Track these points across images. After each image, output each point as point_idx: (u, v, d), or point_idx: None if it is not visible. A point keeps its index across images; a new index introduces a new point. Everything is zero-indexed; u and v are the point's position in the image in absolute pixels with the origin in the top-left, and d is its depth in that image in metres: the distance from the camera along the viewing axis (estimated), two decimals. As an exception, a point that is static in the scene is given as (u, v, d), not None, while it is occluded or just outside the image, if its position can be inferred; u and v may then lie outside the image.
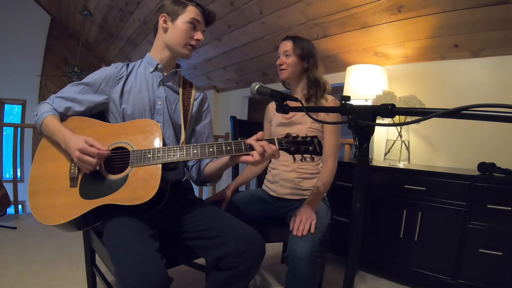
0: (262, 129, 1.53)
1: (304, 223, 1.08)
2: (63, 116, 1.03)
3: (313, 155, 0.90)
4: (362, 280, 1.73)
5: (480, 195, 1.40)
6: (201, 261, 1.25)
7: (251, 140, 0.89)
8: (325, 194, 1.32)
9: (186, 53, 1.08)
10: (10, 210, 2.53)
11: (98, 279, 1.26)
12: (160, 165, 0.89)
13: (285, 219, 1.29)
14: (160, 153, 0.90)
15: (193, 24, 1.05)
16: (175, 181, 1.12)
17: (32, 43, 5.02)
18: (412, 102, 1.68)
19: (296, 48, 1.31)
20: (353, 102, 0.68)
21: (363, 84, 1.96)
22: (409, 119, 0.57)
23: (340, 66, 2.44)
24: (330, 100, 1.31)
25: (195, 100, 1.17)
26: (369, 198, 1.75)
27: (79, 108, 1.03)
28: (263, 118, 1.54)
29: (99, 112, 1.08)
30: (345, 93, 2.05)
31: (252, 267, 0.94)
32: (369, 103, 1.92)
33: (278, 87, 1.35)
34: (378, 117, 0.62)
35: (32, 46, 5.02)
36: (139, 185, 0.87)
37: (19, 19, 4.85)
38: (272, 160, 1.42)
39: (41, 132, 1.02)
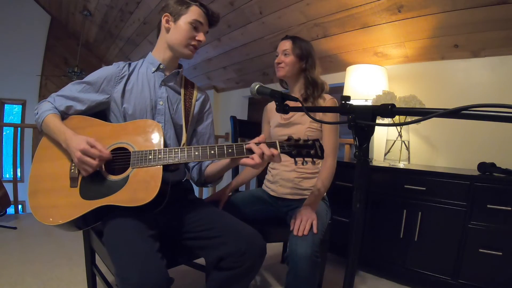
0: (261, 129, 1.54)
1: (304, 223, 1.08)
2: (64, 115, 1.03)
3: (314, 159, 0.90)
4: (362, 280, 1.73)
5: (480, 195, 1.40)
6: (201, 261, 1.24)
7: (251, 144, 0.89)
8: (325, 194, 1.32)
9: (188, 53, 1.07)
10: (10, 210, 2.54)
11: (98, 279, 1.26)
12: (161, 167, 0.89)
13: (285, 219, 1.29)
14: (161, 155, 0.90)
15: (196, 25, 1.05)
16: (176, 182, 1.12)
17: (32, 43, 5.02)
18: (412, 102, 1.68)
19: (295, 48, 1.31)
20: (353, 102, 0.68)
21: (363, 84, 1.96)
22: (409, 119, 0.57)
23: (340, 66, 2.44)
24: (328, 100, 1.31)
25: (196, 100, 1.17)
26: (369, 198, 1.75)
27: (80, 107, 1.03)
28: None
29: (101, 112, 1.08)
30: (345, 93, 2.05)
31: (253, 267, 0.94)
32: (369, 103, 1.92)
33: (278, 87, 1.35)
34: (378, 117, 0.62)
35: (32, 46, 5.02)
36: (140, 187, 0.87)
37: (19, 19, 4.85)
38: None
39: (42, 131, 1.02)
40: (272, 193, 1.37)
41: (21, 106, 5.08)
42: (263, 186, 1.45)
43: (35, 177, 0.96)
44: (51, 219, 0.89)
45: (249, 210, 1.33)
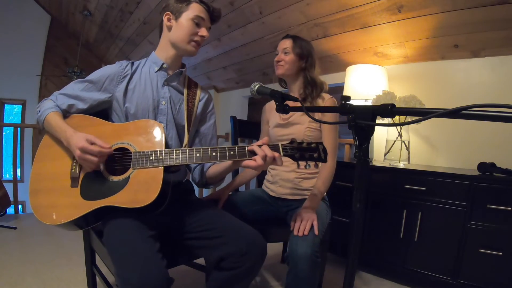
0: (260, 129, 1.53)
1: (305, 223, 1.08)
2: (66, 114, 1.03)
3: (317, 162, 0.89)
4: (362, 280, 1.73)
5: (480, 195, 1.40)
6: (201, 261, 1.25)
7: (253, 146, 0.88)
8: (325, 194, 1.32)
9: (191, 49, 1.07)
10: (10, 210, 2.53)
11: (98, 279, 1.26)
12: (162, 168, 0.89)
13: (285, 219, 1.29)
14: (162, 156, 0.90)
15: (197, 21, 1.04)
16: (177, 182, 1.12)
17: (32, 43, 5.02)
18: (412, 102, 1.68)
19: (296, 47, 1.31)
20: (353, 102, 0.68)
21: (363, 84, 1.96)
22: (409, 119, 0.57)
23: (340, 66, 2.44)
24: (327, 99, 1.31)
25: (200, 101, 1.16)
26: (369, 198, 1.75)
27: (82, 105, 1.03)
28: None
29: (103, 111, 1.08)
30: (345, 93, 2.05)
31: (253, 267, 0.94)
32: (369, 103, 1.92)
33: (278, 87, 1.35)
34: (378, 117, 0.62)
35: (32, 46, 5.02)
36: (141, 188, 0.87)
37: (19, 19, 4.85)
38: None
39: (44, 129, 1.02)
40: (271, 194, 1.37)
41: (21, 106, 5.08)
42: (263, 186, 1.45)
43: (36, 176, 0.96)
44: (51, 219, 0.89)
45: (249, 210, 1.33)
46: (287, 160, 1.31)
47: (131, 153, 0.92)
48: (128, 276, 0.74)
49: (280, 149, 0.89)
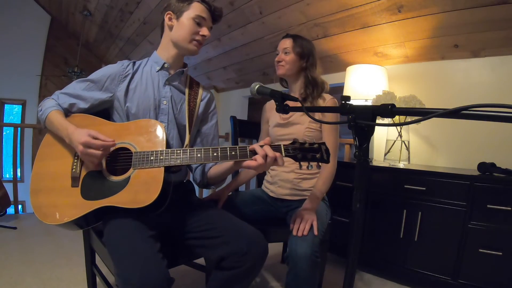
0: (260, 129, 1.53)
1: (304, 223, 1.08)
2: (67, 113, 1.03)
3: (320, 163, 0.88)
4: (362, 280, 1.73)
5: (480, 195, 1.40)
6: (201, 261, 1.25)
7: (255, 145, 0.88)
8: (325, 194, 1.32)
9: (193, 48, 1.06)
10: (10, 210, 2.53)
11: (98, 279, 1.26)
12: (162, 168, 0.88)
13: (285, 219, 1.29)
14: (163, 156, 0.89)
15: (198, 21, 1.04)
16: (177, 182, 1.12)
17: (32, 43, 5.02)
18: (412, 102, 1.68)
19: (296, 46, 1.31)
20: (353, 102, 0.68)
21: (363, 84, 1.96)
22: (409, 119, 0.57)
23: (340, 66, 2.44)
24: (328, 100, 1.31)
25: (201, 100, 1.16)
26: (369, 198, 1.75)
27: (83, 105, 1.03)
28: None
29: (104, 110, 1.08)
30: (345, 93, 2.05)
31: (254, 267, 0.93)
32: (369, 103, 1.92)
33: (278, 87, 1.35)
34: (378, 117, 0.62)
35: (32, 46, 5.02)
36: (141, 188, 0.87)
37: (19, 19, 4.85)
38: None
39: (45, 128, 1.02)
40: (271, 194, 1.37)
41: (21, 106, 5.08)
42: (263, 187, 1.45)
43: (37, 176, 0.96)
44: (51, 219, 0.89)
45: (249, 210, 1.33)
46: (287, 161, 1.30)
47: (131, 153, 0.92)
48: (128, 276, 0.74)
49: (282, 149, 0.88)
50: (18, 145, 2.80)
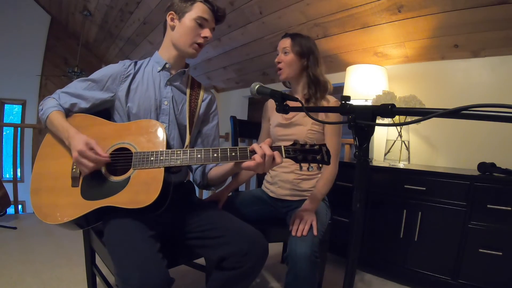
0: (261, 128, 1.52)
1: (304, 224, 1.08)
2: (68, 112, 1.03)
3: (320, 164, 0.87)
4: (362, 280, 1.73)
5: (480, 195, 1.40)
6: (201, 261, 1.25)
7: (254, 145, 0.87)
8: (325, 196, 1.32)
9: (192, 52, 1.06)
10: (10, 210, 2.53)
11: (98, 279, 1.26)
12: (162, 169, 0.88)
13: (285, 219, 1.28)
14: (163, 156, 0.89)
15: (200, 22, 1.03)
16: (178, 183, 1.11)
17: (32, 43, 5.02)
18: (412, 102, 1.68)
19: (295, 46, 1.28)
20: (353, 102, 0.68)
21: (363, 84, 1.96)
22: (409, 119, 0.57)
23: (340, 66, 2.44)
24: (332, 102, 1.29)
25: (203, 101, 1.16)
26: (369, 198, 1.75)
27: (84, 104, 1.03)
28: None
29: (105, 110, 1.08)
30: (345, 93, 2.05)
31: (255, 268, 0.93)
32: (369, 103, 1.92)
33: (278, 87, 1.34)
34: (378, 117, 0.62)
35: (32, 46, 5.02)
36: (141, 188, 0.87)
37: (19, 19, 4.85)
38: None
39: (46, 127, 1.02)
40: (271, 194, 1.36)
41: (21, 106, 5.08)
42: (263, 187, 1.45)
43: (38, 175, 0.96)
44: (51, 218, 0.89)
45: (249, 210, 1.33)
46: (287, 161, 1.30)
47: (132, 153, 0.92)
48: (128, 276, 0.74)
49: (283, 150, 0.88)
50: (18, 145, 2.80)
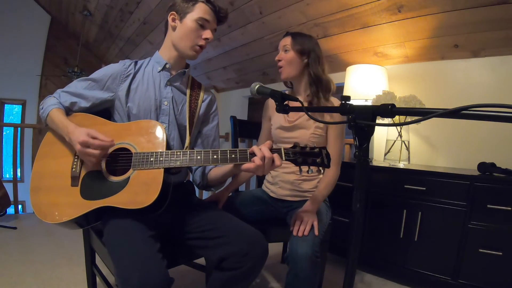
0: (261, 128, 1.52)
1: (305, 224, 1.07)
2: (69, 111, 1.03)
3: (320, 167, 0.87)
4: (362, 280, 1.73)
5: (480, 195, 1.40)
6: (201, 261, 1.25)
7: (254, 147, 0.87)
8: (326, 197, 1.31)
9: (192, 54, 1.06)
10: (10, 210, 2.53)
11: (98, 279, 1.26)
12: (162, 169, 0.88)
13: (285, 219, 1.28)
14: (163, 157, 0.89)
15: (201, 23, 1.03)
16: (177, 183, 1.11)
17: (32, 43, 5.02)
18: (412, 102, 1.68)
19: (296, 44, 1.26)
20: (353, 102, 0.68)
21: (363, 84, 1.96)
22: (409, 119, 0.57)
23: (340, 66, 2.44)
24: (336, 104, 1.27)
25: (203, 102, 1.15)
26: (369, 198, 1.75)
27: (84, 104, 1.03)
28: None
29: (105, 110, 1.08)
30: (345, 93, 2.05)
31: (255, 268, 0.93)
32: (369, 103, 1.92)
33: (278, 87, 1.33)
34: (378, 117, 0.62)
35: (32, 46, 5.02)
36: (140, 189, 0.87)
37: (19, 19, 4.85)
38: None
39: (46, 126, 1.02)
40: (272, 195, 1.36)
41: (21, 106, 5.08)
42: (263, 187, 1.45)
43: (37, 174, 0.96)
44: (51, 217, 0.89)
45: (249, 210, 1.32)
46: (287, 162, 1.30)
47: (131, 153, 0.92)
48: (128, 276, 0.74)
49: (283, 153, 0.88)
50: (18, 145, 2.80)
